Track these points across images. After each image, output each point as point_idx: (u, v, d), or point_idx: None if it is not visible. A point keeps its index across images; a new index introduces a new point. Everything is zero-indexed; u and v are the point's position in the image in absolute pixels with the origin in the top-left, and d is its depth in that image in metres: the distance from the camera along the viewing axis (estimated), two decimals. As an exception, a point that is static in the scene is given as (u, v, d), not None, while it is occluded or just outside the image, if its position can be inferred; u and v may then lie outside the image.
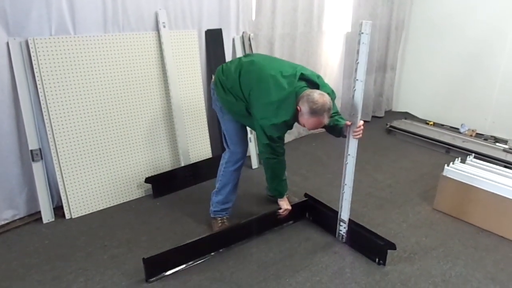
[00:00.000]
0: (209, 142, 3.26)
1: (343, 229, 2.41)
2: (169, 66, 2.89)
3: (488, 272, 2.22)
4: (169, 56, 2.88)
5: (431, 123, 4.49)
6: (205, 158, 3.23)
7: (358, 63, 2.01)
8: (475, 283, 2.14)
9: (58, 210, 2.63)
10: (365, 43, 1.96)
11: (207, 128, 3.23)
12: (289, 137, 4.02)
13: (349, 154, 2.22)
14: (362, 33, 1.95)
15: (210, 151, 3.27)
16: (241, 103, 2.23)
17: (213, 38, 3.17)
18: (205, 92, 3.22)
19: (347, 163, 2.24)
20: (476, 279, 2.16)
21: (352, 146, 2.20)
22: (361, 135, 2.15)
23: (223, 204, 2.54)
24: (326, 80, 4.47)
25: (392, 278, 2.16)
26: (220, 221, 2.52)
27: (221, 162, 2.53)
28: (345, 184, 2.30)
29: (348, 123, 2.14)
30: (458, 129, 4.29)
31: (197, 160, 3.17)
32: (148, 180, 2.86)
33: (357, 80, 2.04)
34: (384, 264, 2.24)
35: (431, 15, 4.55)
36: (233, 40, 3.29)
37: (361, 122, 2.13)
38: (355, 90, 2.07)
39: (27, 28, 2.33)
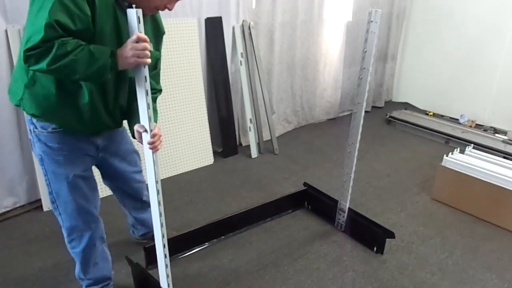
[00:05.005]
0: (208, 131, 3.26)
1: (342, 218, 2.43)
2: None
3: (484, 261, 2.24)
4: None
5: (431, 113, 4.49)
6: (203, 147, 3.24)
7: (365, 51, 2.00)
8: (472, 271, 2.16)
9: (58, 198, 2.65)
10: (373, 31, 1.95)
11: (206, 117, 3.22)
12: (288, 126, 4.03)
13: (351, 143, 2.22)
14: (371, 21, 1.94)
15: (209, 139, 3.27)
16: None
17: (213, 27, 3.15)
18: (205, 82, 3.21)
19: (350, 151, 2.24)
20: (472, 268, 2.19)
21: (355, 134, 2.20)
22: (158, 147, 1.49)
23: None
24: (327, 70, 4.46)
25: (389, 266, 2.18)
26: None
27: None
28: (346, 173, 2.30)
29: (140, 129, 1.46)
30: (457, 119, 4.29)
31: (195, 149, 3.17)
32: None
33: (364, 68, 2.03)
34: (382, 252, 2.26)
35: (433, 4, 4.51)
36: (233, 28, 3.26)
37: (157, 130, 1.47)
38: (361, 78, 2.06)
39: (25, 15, 2.30)
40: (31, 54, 1.26)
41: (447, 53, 4.44)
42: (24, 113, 1.56)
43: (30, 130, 1.57)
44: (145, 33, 1.34)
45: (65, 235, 1.75)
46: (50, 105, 1.47)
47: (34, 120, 1.53)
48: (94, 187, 1.74)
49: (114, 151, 1.80)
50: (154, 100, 1.70)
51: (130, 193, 2.00)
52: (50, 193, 1.65)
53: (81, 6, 1.29)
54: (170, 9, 1.51)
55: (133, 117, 1.58)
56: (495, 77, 4.10)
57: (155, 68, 1.67)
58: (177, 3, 1.53)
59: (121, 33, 1.43)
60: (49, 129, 1.54)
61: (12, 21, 2.28)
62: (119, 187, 1.96)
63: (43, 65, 1.27)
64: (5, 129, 2.40)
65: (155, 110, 1.65)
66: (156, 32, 1.66)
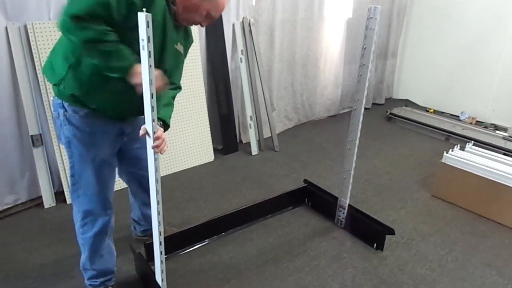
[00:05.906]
0: (208, 128, 3.26)
1: (342, 214, 2.43)
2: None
3: (484, 258, 2.25)
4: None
5: (432, 110, 4.49)
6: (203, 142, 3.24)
7: (365, 48, 2.00)
8: (471, 268, 2.16)
9: (59, 195, 2.65)
10: (373, 28, 1.94)
11: (207, 114, 3.22)
12: (289, 123, 4.03)
13: (351, 140, 2.23)
14: (371, 18, 1.94)
15: (209, 136, 3.28)
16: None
17: (213, 24, 3.15)
18: (205, 79, 3.21)
19: (349, 148, 2.25)
20: (472, 265, 2.19)
21: (354, 131, 2.20)
22: (164, 149, 1.52)
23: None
24: (327, 67, 4.45)
25: (389, 263, 2.19)
26: None
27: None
28: (346, 170, 2.31)
29: (144, 132, 1.46)
30: (458, 116, 4.29)
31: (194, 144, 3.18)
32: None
33: (363, 65, 2.03)
34: (382, 249, 2.27)
35: (433, 1, 4.50)
36: (233, 25, 3.26)
37: (160, 132, 1.50)
38: (361, 75, 2.05)
39: (26, 12, 2.31)
40: (76, 23, 1.32)
41: (448, 50, 4.44)
42: (53, 97, 1.62)
43: (58, 113, 1.61)
44: (177, 38, 1.58)
45: (78, 219, 1.77)
46: (92, 86, 1.53)
47: (66, 104, 1.57)
48: (113, 175, 1.80)
49: (136, 137, 1.85)
50: (173, 96, 1.77)
51: (145, 185, 2.01)
52: (73, 175, 1.69)
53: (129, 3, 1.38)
54: (202, 26, 1.64)
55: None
56: (496, 74, 4.10)
57: (177, 67, 1.75)
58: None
59: (165, 37, 1.55)
60: (81, 113, 1.58)
61: (12, 19, 2.28)
62: (135, 176, 1.99)
63: (79, 37, 1.34)
64: (6, 127, 2.40)
65: (171, 105, 1.75)
66: (186, 40, 1.74)
